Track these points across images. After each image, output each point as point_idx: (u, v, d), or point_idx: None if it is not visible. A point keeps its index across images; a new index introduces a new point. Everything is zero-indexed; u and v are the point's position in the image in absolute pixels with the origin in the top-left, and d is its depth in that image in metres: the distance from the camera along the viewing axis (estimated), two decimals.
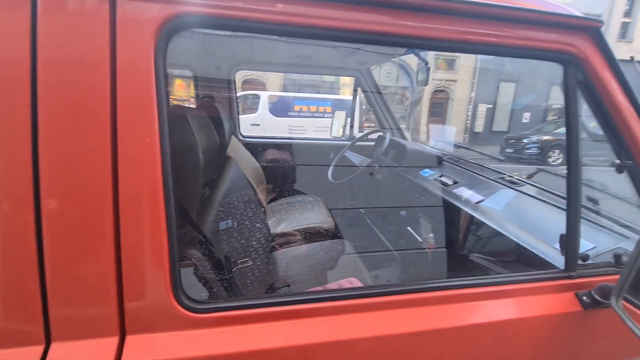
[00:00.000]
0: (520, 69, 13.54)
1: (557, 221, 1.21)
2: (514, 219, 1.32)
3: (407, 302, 0.72)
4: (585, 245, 1.02)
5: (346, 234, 1.90)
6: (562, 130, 9.77)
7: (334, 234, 1.80)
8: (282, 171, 2.52)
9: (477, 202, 1.49)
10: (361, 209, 2.51)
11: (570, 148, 0.79)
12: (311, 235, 1.75)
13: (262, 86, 11.59)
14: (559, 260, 0.98)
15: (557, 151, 9.47)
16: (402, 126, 2.67)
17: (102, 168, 0.54)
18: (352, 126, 2.92)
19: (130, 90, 0.54)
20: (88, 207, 0.54)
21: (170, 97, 0.67)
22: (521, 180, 1.57)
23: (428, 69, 1.94)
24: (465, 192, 1.61)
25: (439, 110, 14.62)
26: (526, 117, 14.23)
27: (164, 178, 0.57)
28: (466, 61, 13.56)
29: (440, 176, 1.85)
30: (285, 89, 11.99)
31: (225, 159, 1.50)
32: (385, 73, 13.09)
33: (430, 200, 1.79)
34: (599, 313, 0.81)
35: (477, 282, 0.78)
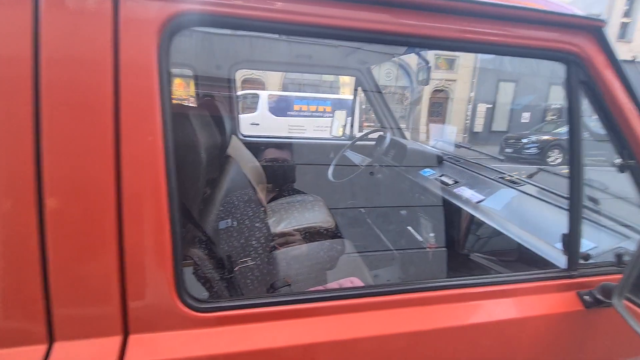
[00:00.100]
0: (520, 69, 13.56)
1: (558, 221, 1.22)
2: (514, 219, 1.32)
3: (408, 301, 0.72)
4: (586, 244, 1.02)
5: (347, 234, 1.90)
6: (562, 130, 9.83)
7: (334, 234, 1.80)
8: (283, 171, 2.52)
9: (477, 202, 1.50)
10: (361, 209, 2.51)
11: (573, 148, 0.79)
12: (311, 234, 1.75)
13: (262, 85, 11.58)
14: (560, 260, 0.98)
15: (556, 151, 9.49)
16: (402, 126, 2.66)
17: (105, 167, 0.54)
18: (352, 125, 2.92)
19: (133, 89, 0.54)
20: (91, 206, 0.54)
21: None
22: (522, 180, 1.58)
23: (429, 69, 1.93)
24: (465, 192, 1.61)
25: (438, 110, 14.63)
26: (525, 117, 14.25)
27: (167, 177, 0.57)
28: (466, 61, 13.57)
29: (441, 176, 1.85)
30: (284, 89, 11.98)
31: (226, 158, 1.50)
32: (384, 72, 13.10)
33: (431, 200, 1.79)
34: (600, 312, 0.81)
35: (478, 281, 0.78)
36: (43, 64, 0.51)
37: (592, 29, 0.74)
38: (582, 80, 0.77)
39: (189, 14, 0.56)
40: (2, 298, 0.53)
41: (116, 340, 0.57)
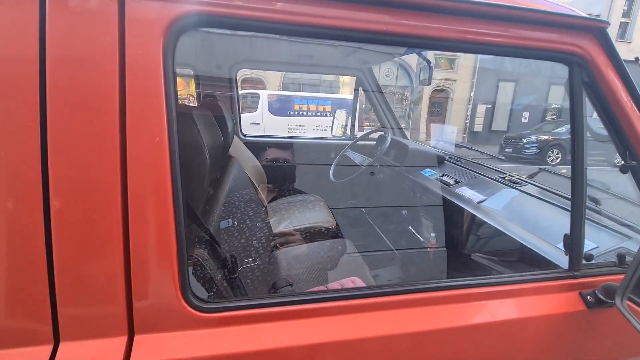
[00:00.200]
0: (520, 69, 13.57)
1: (560, 221, 1.22)
2: (516, 219, 1.32)
3: (412, 301, 0.72)
4: (587, 244, 1.02)
5: (347, 234, 1.90)
6: (561, 130, 9.84)
7: (335, 234, 1.80)
8: (283, 170, 2.52)
9: (479, 202, 1.50)
10: (362, 209, 2.51)
11: (575, 148, 0.79)
12: (312, 234, 1.75)
13: (262, 85, 11.57)
14: (561, 260, 0.99)
15: (555, 151, 9.50)
16: (402, 125, 2.67)
17: (110, 167, 0.54)
18: (353, 125, 2.92)
19: (139, 89, 0.54)
20: (96, 206, 0.54)
21: None
22: (523, 180, 1.58)
23: (431, 69, 1.94)
24: (467, 192, 1.61)
25: (438, 110, 14.64)
26: (525, 116, 14.26)
27: (173, 178, 0.57)
28: (466, 60, 13.57)
29: (442, 176, 1.86)
30: (284, 88, 11.97)
31: (228, 158, 1.50)
32: (384, 72, 13.09)
33: (432, 200, 1.79)
34: (602, 313, 0.81)
35: (481, 281, 0.78)
36: (49, 64, 0.51)
37: (595, 30, 0.74)
38: (585, 82, 0.77)
39: (194, 15, 0.56)
40: (9, 298, 0.54)
41: (122, 340, 0.57)
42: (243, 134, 2.57)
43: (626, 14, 14.29)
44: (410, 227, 1.98)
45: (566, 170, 1.34)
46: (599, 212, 1.20)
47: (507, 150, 9.91)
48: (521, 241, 1.21)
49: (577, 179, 0.80)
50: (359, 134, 2.80)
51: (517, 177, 1.62)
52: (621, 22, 14.24)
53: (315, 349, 0.65)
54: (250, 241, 1.28)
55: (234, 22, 0.59)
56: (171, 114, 0.56)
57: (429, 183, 1.88)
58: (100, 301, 0.56)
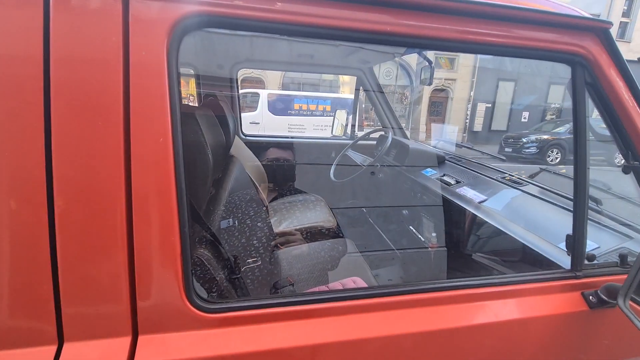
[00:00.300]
0: (520, 68, 13.57)
1: (561, 221, 1.22)
2: (517, 219, 1.32)
3: (414, 302, 0.73)
4: (588, 244, 1.02)
5: (348, 233, 1.90)
6: (561, 129, 9.85)
7: (335, 234, 1.80)
8: (284, 170, 2.52)
9: (480, 202, 1.50)
10: (363, 208, 2.51)
11: (578, 149, 0.79)
12: (313, 234, 1.75)
13: (261, 84, 11.56)
14: (563, 260, 0.99)
15: (555, 150, 9.51)
16: (402, 125, 2.67)
17: (115, 167, 0.54)
18: (354, 125, 2.92)
19: (143, 90, 0.54)
20: (101, 206, 0.54)
21: None
22: (524, 180, 1.58)
23: (432, 68, 1.94)
24: (468, 192, 1.61)
25: (438, 109, 14.65)
26: (525, 116, 14.27)
27: (177, 178, 0.57)
28: (466, 60, 13.57)
29: (443, 175, 1.86)
30: (284, 87, 11.97)
31: (230, 158, 1.50)
32: (384, 72, 13.09)
33: (433, 200, 1.79)
34: (604, 313, 0.81)
35: (484, 282, 0.78)
36: (53, 64, 0.51)
37: (598, 30, 0.74)
38: (588, 82, 0.77)
39: (198, 15, 0.56)
40: (13, 299, 0.54)
41: (126, 340, 0.57)
42: (244, 134, 2.57)
43: (626, 13, 14.31)
44: (411, 227, 1.98)
45: (566, 169, 1.34)
46: (600, 212, 1.21)
47: (506, 149, 9.91)
48: (523, 241, 1.22)
49: (580, 179, 0.80)
50: (359, 134, 2.80)
51: (518, 177, 1.63)
52: (621, 22, 14.25)
53: (318, 349, 0.65)
54: (251, 241, 1.28)
55: (238, 22, 0.59)
56: (175, 114, 0.56)
57: (429, 183, 1.88)
58: (104, 301, 0.56)
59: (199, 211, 0.89)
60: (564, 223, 1.00)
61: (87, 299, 0.56)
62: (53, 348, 0.55)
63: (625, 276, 0.72)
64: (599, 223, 1.16)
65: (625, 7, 14.23)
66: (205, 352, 0.59)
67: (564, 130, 9.77)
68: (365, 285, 1.22)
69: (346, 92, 11.07)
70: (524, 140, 9.78)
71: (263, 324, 0.64)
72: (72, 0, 0.51)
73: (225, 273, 0.93)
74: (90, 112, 0.53)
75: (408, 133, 2.63)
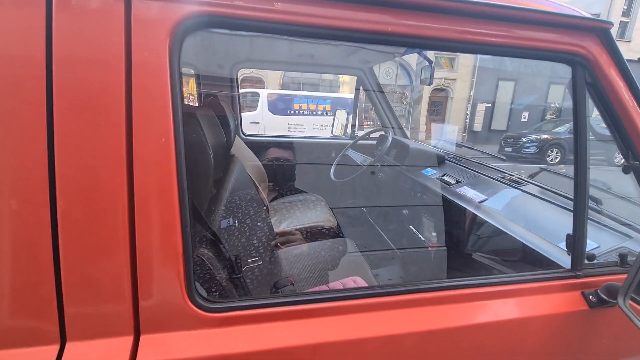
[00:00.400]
0: (520, 68, 13.57)
1: (561, 220, 1.22)
2: (517, 219, 1.33)
3: (414, 301, 0.73)
4: (589, 244, 1.03)
5: (348, 233, 1.90)
6: (561, 129, 9.86)
7: (336, 233, 1.80)
8: (284, 170, 2.53)
9: (480, 202, 1.50)
10: (363, 208, 2.51)
11: (578, 149, 0.80)
12: (313, 234, 1.75)
13: (261, 84, 11.55)
14: (563, 260, 0.99)
15: (555, 150, 9.52)
16: (402, 125, 2.67)
17: (117, 167, 0.54)
18: (354, 125, 2.92)
19: (145, 90, 0.54)
20: (103, 206, 0.54)
21: None
22: (524, 180, 1.58)
23: (432, 68, 1.94)
24: (468, 192, 1.61)
25: (438, 109, 14.65)
26: (525, 115, 14.28)
27: (178, 178, 0.57)
28: (466, 60, 13.57)
29: (443, 175, 1.86)
30: (284, 87, 11.96)
31: (230, 157, 1.50)
32: (384, 71, 13.09)
33: (433, 200, 1.80)
34: (604, 312, 0.81)
35: (484, 281, 0.78)
36: (56, 64, 0.51)
37: (598, 30, 0.74)
38: (588, 82, 0.77)
39: (200, 16, 0.56)
40: (16, 298, 0.54)
41: (128, 340, 0.58)
42: (244, 134, 2.57)
43: (626, 13, 14.31)
44: (411, 227, 1.99)
45: (566, 169, 1.35)
46: (600, 212, 1.21)
47: (506, 149, 9.92)
48: (523, 241, 1.22)
49: (580, 179, 0.80)
50: (360, 134, 2.80)
51: (518, 176, 1.63)
52: (621, 22, 14.25)
53: (319, 349, 0.66)
54: (252, 240, 1.28)
55: (240, 22, 0.59)
56: (177, 114, 0.56)
57: (430, 183, 1.89)
58: (106, 301, 0.57)
59: (200, 211, 0.90)
60: (564, 223, 1.00)
61: (90, 298, 0.56)
62: (55, 347, 0.55)
63: (625, 276, 0.73)
64: (599, 223, 1.17)
65: (625, 7, 14.24)
66: (207, 351, 0.60)
67: (564, 130, 9.77)
68: (365, 284, 1.22)
69: (346, 91, 11.06)
70: (524, 140, 9.78)
71: (264, 323, 0.64)
72: (74, 1, 0.51)
73: (226, 273, 0.93)
74: (93, 112, 0.53)
75: (408, 133, 2.64)
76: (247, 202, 1.40)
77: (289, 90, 10.89)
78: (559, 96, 13.76)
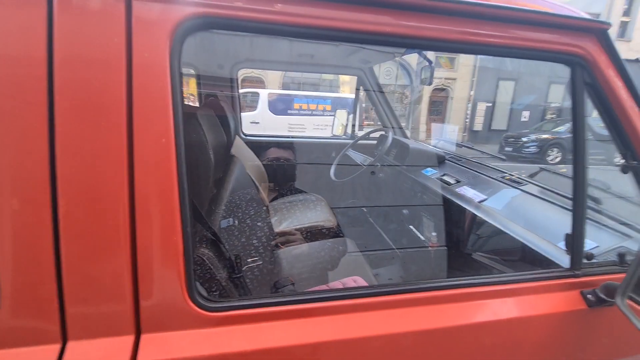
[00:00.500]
0: (520, 68, 13.57)
1: (560, 220, 1.23)
2: (517, 218, 1.33)
3: (414, 300, 0.73)
4: (587, 244, 1.03)
5: (349, 233, 1.90)
6: (561, 128, 9.85)
7: (336, 233, 1.81)
8: (285, 170, 2.53)
9: (480, 201, 1.51)
10: (364, 208, 2.52)
11: (577, 148, 0.80)
12: (313, 234, 1.75)
13: (261, 84, 11.56)
14: (562, 259, 0.99)
15: (555, 149, 9.52)
16: (402, 124, 2.67)
17: (117, 168, 0.54)
18: (354, 125, 2.92)
19: (146, 91, 0.55)
20: (104, 206, 0.55)
21: None
22: (523, 180, 1.58)
23: (432, 68, 1.94)
24: (468, 191, 1.62)
25: (438, 109, 14.65)
26: (525, 115, 14.27)
27: (179, 178, 0.57)
28: (466, 59, 13.57)
29: (443, 175, 1.86)
30: (284, 87, 11.97)
31: (230, 157, 1.51)
32: (384, 71, 13.08)
33: (433, 199, 1.80)
34: (603, 311, 0.82)
35: (483, 281, 0.79)
36: (57, 65, 0.51)
37: (597, 31, 0.75)
38: (587, 82, 0.77)
39: (201, 17, 0.57)
40: (17, 298, 0.54)
41: (129, 339, 0.58)
42: (244, 134, 2.58)
43: (626, 12, 14.30)
44: (411, 227, 1.99)
45: (566, 169, 1.35)
46: (599, 212, 1.21)
47: (507, 149, 9.92)
48: (522, 240, 1.22)
49: (579, 179, 0.80)
50: (360, 133, 2.81)
51: (518, 176, 1.63)
52: (621, 21, 14.24)
53: (319, 348, 0.66)
54: (252, 240, 1.29)
55: (240, 24, 0.59)
56: (177, 115, 0.57)
57: (430, 182, 1.89)
58: (107, 300, 0.57)
59: (200, 211, 0.90)
60: (564, 222, 1.00)
61: (91, 297, 0.56)
62: (57, 346, 0.56)
63: (623, 275, 0.73)
64: (598, 222, 1.17)
65: (626, 6, 14.22)
66: (208, 350, 0.60)
67: (564, 129, 9.77)
68: (365, 284, 1.23)
69: (346, 91, 11.06)
70: (524, 139, 9.78)
71: (264, 323, 0.65)
72: (75, 2, 0.52)
73: (227, 272, 0.94)
74: (94, 113, 0.53)
75: (408, 132, 2.64)
76: (247, 202, 1.41)
77: (289, 90, 10.89)
78: (559, 96, 13.75)
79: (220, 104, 1.55)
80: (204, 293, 0.64)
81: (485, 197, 1.52)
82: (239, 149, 2.06)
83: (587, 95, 0.79)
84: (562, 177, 1.46)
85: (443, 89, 14.23)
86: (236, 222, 1.26)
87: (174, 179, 0.57)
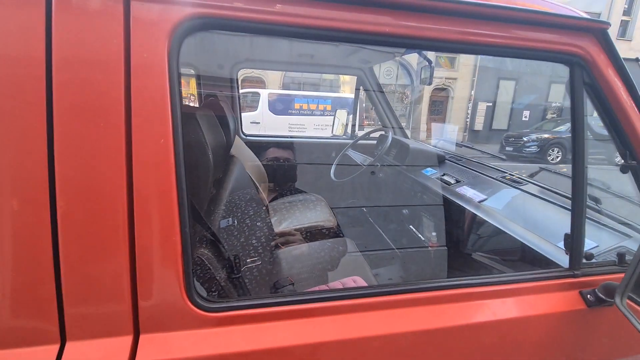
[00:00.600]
0: (521, 68, 13.56)
1: (560, 220, 1.23)
2: (517, 218, 1.33)
3: (413, 301, 0.73)
4: (587, 243, 1.03)
5: (349, 233, 1.90)
6: (561, 128, 9.85)
7: (336, 233, 1.81)
8: (284, 170, 2.53)
9: (479, 201, 1.50)
10: (363, 208, 2.52)
11: (576, 148, 0.80)
12: (313, 234, 1.75)
13: (262, 84, 11.57)
14: (562, 259, 0.99)
15: (556, 149, 9.52)
16: (402, 124, 2.67)
17: (116, 168, 0.54)
18: (354, 125, 2.92)
19: (145, 91, 0.55)
20: (102, 207, 0.55)
21: None
22: (523, 179, 1.58)
23: (432, 68, 1.94)
24: (468, 191, 1.62)
25: (439, 109, 14.64)
26: (526, 115, 14.26)
27: (177, 179, 0.57)
28: (466, 59, 13.56)
29: (443, 175, 1.86)
30: (285, 87, 11.98)
31: (230, 158, 1.51)
32: (385, 71, 13.08)
33: (433, 199, 1.80)
34: (602, 311, 0.82)
35: (482, 281, 0.78)
36: (55, 65, 0.51)
37: (596, 31, 0.75)
38: (586, 82, 0.77)
39: (199, 18, 0.57)
40: (16, 298, 0.54)
41: (127, 339, 0.58)
42: (244, 134, 2.58)
43: (627, 12, 14.28)
44: (411, 227, 1.99)
45: (566, 169, 1.35)
46: (599, 211, 1.21)
47: (507, 148, 9.92)
48: (522, 240, 1.22)
49: (578, 179, 0.80)
50: (360, 133, 2.81)
51: (518, 176, 1.63)
52: (622, 20, 14.22)
53: (318, 348, 0.66)
54: (251, 240, 1.29)
55: (239, 24, 0.59)
56: (176, 115, 0.57)
57: (429, 182, 1.89)
58: (106, 301, 0.57)
59: (200, 211, 0.90)
60: (563, 222, 1.00)
61: (89, 298, 0.56)
62: (55, 347, 0.56)
63: (623, 275, 0.73)
64: (597, 222, 1.17)
65: (626, 6, 14.20)
66: (206, 350, 0.60)
67: (565, 129, 9.77)
68: (365, 284, 1.23)
69: (347, 91, 11.07)
70: (525, 139, 9.79)
71: (263, 323, 0.65)
72: (73, 2, 0.52)
73: (226, 273, 0.94)
74: (92, 113, 0.53)
75: (408, 132, 2.64)
76: (246, 202, 1.41)
77: (289, 90, 10.90)
78: (559, 95, 13.74)
79: (220, 104, 1.55)
80: (203, 293, 0.64)
81: (485, 197, 1.52)
82: (239, 149, 2.06)
83: (587, 95, 0.79)
84: (562, 176, 1.46)
85: (443, 89, 14.23)
86: (235, 222, 1.26)
87: (172, 180, 0.57)
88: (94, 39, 0.52)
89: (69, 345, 0.56)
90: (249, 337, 0.63)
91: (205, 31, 0.60)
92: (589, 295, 0.80)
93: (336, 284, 1.24)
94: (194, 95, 2.63)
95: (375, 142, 2.57)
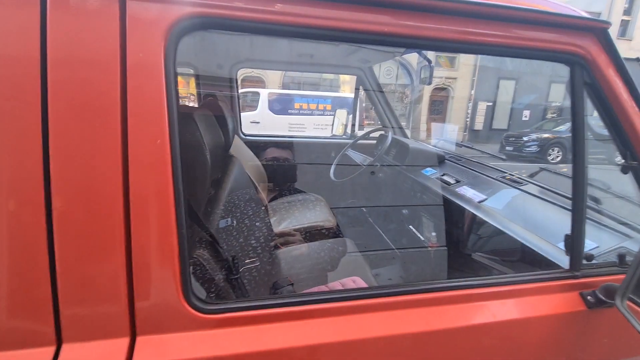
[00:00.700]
0: (521, 67, 13.55)
1: (560, 220, 1.22)
2: (517, 218, 1.32)
3: (413, 302, 0.73)
4: (587, 244, 1.02)
5: (348, 233, 1.90)
6: (562, 128, 9.85)
7: (335, 233, 1.80)
8: (284, 170, 2.52)
9: (479, 201, 1.50)
10: (363, 208, 2.51)
11: (577, 148, 0.79)
12: (312, 234, 1.75)
13: (262, 83, 11.56)
14: (562, 260, 0.99)
15: (556, 149, 9.52)
16: (402, 124, 2.67)
17: (112, 168, 0.54)
18: (354, 124, 2.92)
19: (141, 91, 0.54)
20: (98, 207, 0.54)
21: None
22: (523, 179, 1.58)
23: (431, 68, 1.93)
24: (467, 191, 1.61)
25: (439, 108, 14.64)
26: (526, 114, 14.26)
27: (174, 179, 0.57)
28: (467, 59, 13.56)
29: (443, 175, 1.86)
30: (284, 87, 11.97)
31: (229, 157, 1.50)
32: (385, 71, 13.07)
33: (433, 199, 1.80)
34: (603, 313, 0.81)
35: (483, 282, 0.78)
36: (50, 65, 0.51)
37: (597, 30, 0.74)
38: (586, 82, 0.77)
39: (196, 17, 0.56)
40: (11, 300, 0.54)
41: (124, 341, 0.58)
42: (243, 134, 2.57)
43: (627, 11, 14.27)
44: (411, 227, 1.98)
45: (567, 169, 1.34)
46: (599, 212, 1.21)
47: (507, 148, 9.93)
48: (522, 241, 1.22)
49: (578, 179, 0.80)
50: (360, 133, 2.80)
51: (518, 176, 1.62)
52: (622, 20, 14.22)
53: (317, 350, 0.65)
54: (250, 241, 1.28)
55: (236, 24, 0.59)
56: (172, 115, 0.56)
57: (429, 182, 1.88)
58: (102, 302, 0.57)
59: (197, 212, 0.90)
60: (564, 223, 1.00)
61: (85, 300, 0.56)
62: (51, 349, 0.55)
63: (623, 276, 0.72)
64: (598, 222, 1.16)
65: (627, 5, 14.20)
66: (204, 352, 0.60)
67: (565, 128, 9.77)
68: (365, 285, 1.22)
69: (347, 91, 11.05)
70: (525, 138, 9.79)
71: (262, 325, 0.64)
72: (69, 1, 0.51)
73: (224, 274, 0.93)
74: (88, 113, 0.53)
75: (408, 132, 2.63)
76: (245, 202, 1.40)
77: (289, 89, 10.90)
78: (560, 95, 13.74)
79: (219, 104, 1.55)
80: (201, 295, 0.64)
81: (485, 197, 1.51)
82: (238, 148, 2.05)
83: (587, 95, 0.78)
84: (562, 176, 1.46)
85: (444, 88, 14.23)
86: (234, 222, 1.25)
87: (169, 180, 0.56)
88: (90, 38, 0.52)
89: (65, 347, 0.56)
90: (247, 339, 0.62)
91: (202, 31, 0.59)
92: (589, 297, 0.80)
93: (336, 285, 1.24)
94: (193, 95, 2.63)
95: (375, 142, 2.56)
